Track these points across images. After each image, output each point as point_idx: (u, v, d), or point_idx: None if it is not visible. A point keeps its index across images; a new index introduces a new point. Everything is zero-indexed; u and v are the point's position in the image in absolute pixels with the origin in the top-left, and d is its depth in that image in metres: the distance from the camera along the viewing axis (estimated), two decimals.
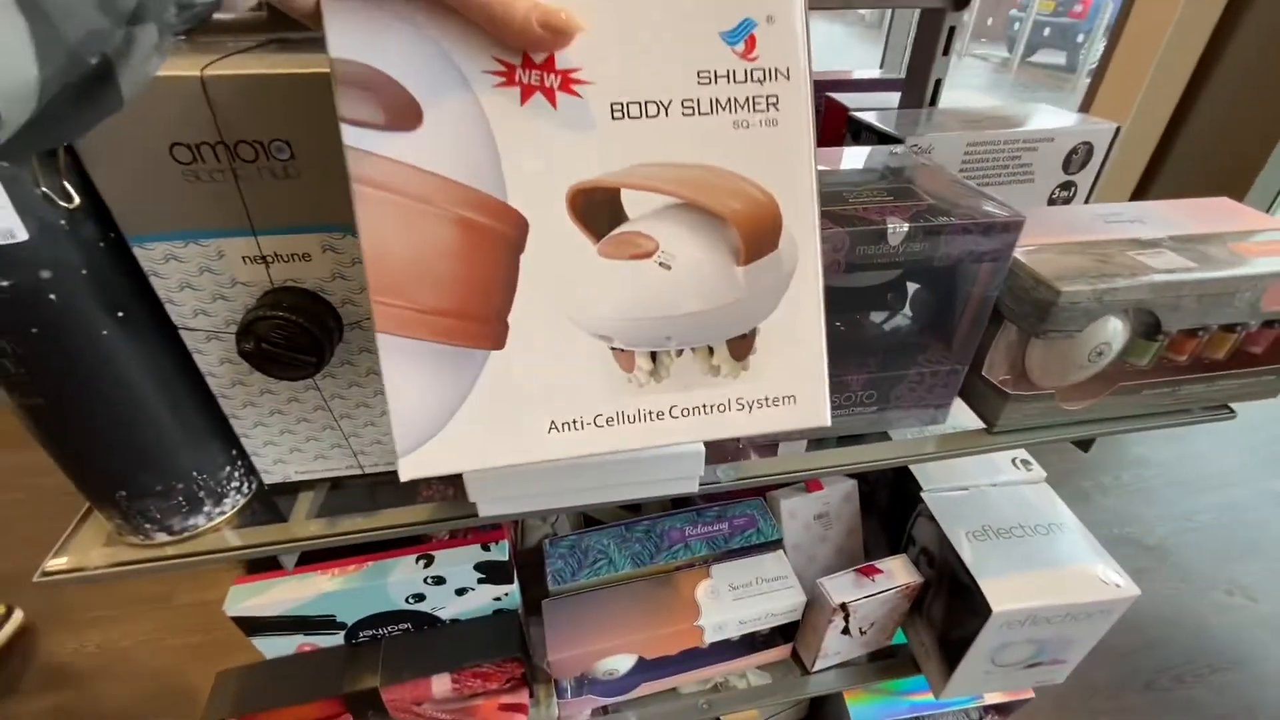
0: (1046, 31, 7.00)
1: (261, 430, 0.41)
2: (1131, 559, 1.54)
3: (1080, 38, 6.63)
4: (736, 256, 0.27)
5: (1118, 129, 0.56)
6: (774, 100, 0.26)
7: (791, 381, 0.30)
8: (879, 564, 0.70)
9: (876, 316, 0.45)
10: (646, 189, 0.26)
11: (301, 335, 0.33)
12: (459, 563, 0.61)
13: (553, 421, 0.28)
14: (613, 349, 0.28)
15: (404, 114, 0.23)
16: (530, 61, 0.24)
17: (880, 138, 0.55)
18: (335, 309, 0.36)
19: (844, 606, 0.66)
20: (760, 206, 0.27)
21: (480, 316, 0.26)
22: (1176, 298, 0.43)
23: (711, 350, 0.29)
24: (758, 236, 0.27)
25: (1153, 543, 1.61)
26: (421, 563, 0.61)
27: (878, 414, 0.47)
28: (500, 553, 0.62)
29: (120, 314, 0.33)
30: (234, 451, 0.42)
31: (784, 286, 0.29)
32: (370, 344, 0.38)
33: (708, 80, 0.25)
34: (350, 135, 0.23)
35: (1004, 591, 0.61)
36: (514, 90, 0.24)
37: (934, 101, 0.63)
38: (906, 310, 0.46)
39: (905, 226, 0.37)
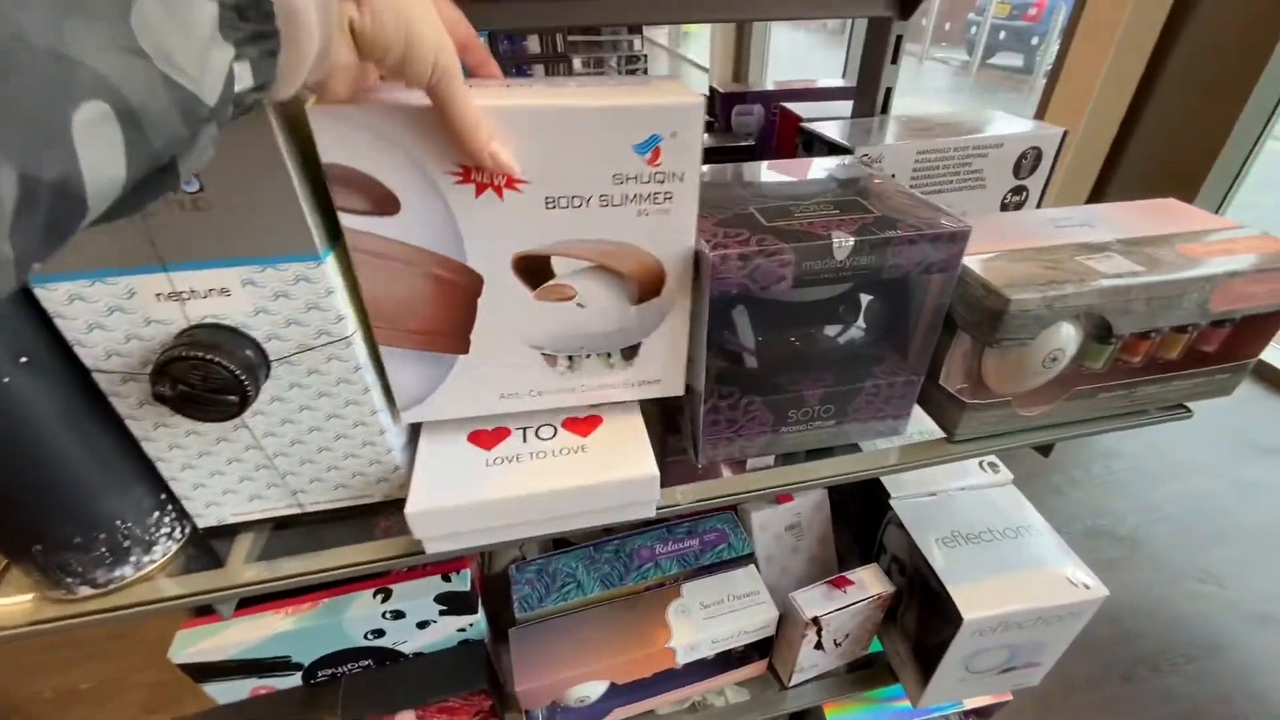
0: (1003, 35, 7.18)
1: (190, 473, 0.39)
2: (1105, 550, 1.56)
3: (1035, 40, 6.81)
4: (631, 299, 0.40)
5: (1065, 133, 0.57)
6: (669, 195, 0.36)
7: (661, 371, 0.44)
8: (850, 575, 0.69)
9: (830, 330, 0.45)
10: (569, 256, 0.37)
11: (221, 375, 0.32)
12: (419, 595, 0.59)
13: (502, 393, 0.42)
14: (543, 354, 0.41)
15: (386, 203, 0.33)
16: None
17: (830, 148, 0.54)
18: (260, 345, 0.34)
19: (816, 621, 0.65)
20: (649, 269, 0.38)
21: (450, 335, 0.39)
22: (1125, 302, 0.43)
23: (610, 354, 0.42)
24: (646, 287, 0.39)
25: (1124, 533, 1.63)
26: (379, 597, 0.59)
27: (836, 427, 0.47)
28: (462, 583, 0.60)
29: (24, 359, 0.31)
30: (162, 496, 0.40)
31: (663, 317, 0.41)
32: (301, 380, 0.36)
33: (621, 181, 0.34)
34: (346, 219, 0.33)
35: (975, 598, 0.61)
36: (470, 187, 0.33)
37: (885, 109, 0.63)
38: (860, 322, 0.45)
39: (851, 240, 0.36)
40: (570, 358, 0.42)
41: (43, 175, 0.14)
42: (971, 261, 0.43)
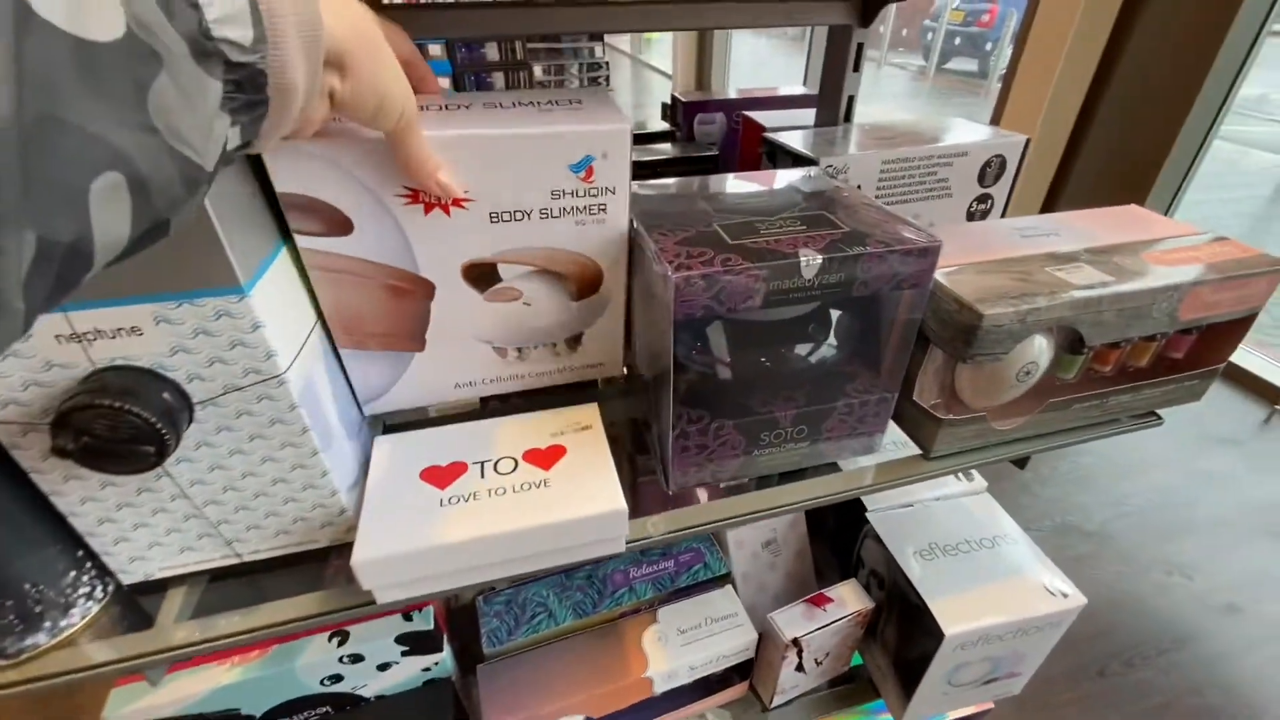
0: (958, 40, 7.38)
1: (109, 527, 0.35)
2: (1075, 546, 1.58)
3: (989, 46, 7.01)
4: (572, 296, 0.43)
5: (1027, 141, 0.56)
6: (603, 207, 0.39)
7: (602, 355, 0.48)
8: (829, 592, 0.67)
9: (801, 349, 0.43)
10: (514, 262, 0.40)
11: (133, 423, 0.28)
12: (378, 636, 0.56)
13: (456, 382, 0.45)
14: (494, 347, 0.44)
15: (339, 225, 0.35)
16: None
17: (795, 159, 0.53)
18: (180, 387, 0.31)
19: (796, 642, 0.63)
20: (587, 269, 0.42)
21: (407, 336, 0.41)
22: (1098, 313, 0.42)
23: (555, 344, 0.45)
24: (585, 285, 0.43)
25: (1092, 529, 1.66)
26: (335, 640, 0.55)
27: (809, 447, 0.45)
28: (425, 621, 0.57)
29: None
30: (79, 553, 0.36)
31: (601, 310, 0.45)
32: (230, 423, 0.33)
33: (558, 196, 0.38)
34: (302, 240, 0.35)
35: (954, 613, 0.60)
36: (419, 206, 0.35)
37: (848, 117, 0.62)
38: (831, 339, 0.44)
39: (819, 258, 0.35)
40: (519, 349, 0.45)
41: (59, 237, 0.15)
42: (941, 275, 0.42)
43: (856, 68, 0.58)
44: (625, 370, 0.50)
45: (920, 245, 0.36)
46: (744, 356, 0.40)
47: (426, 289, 0.39)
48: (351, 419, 0.42)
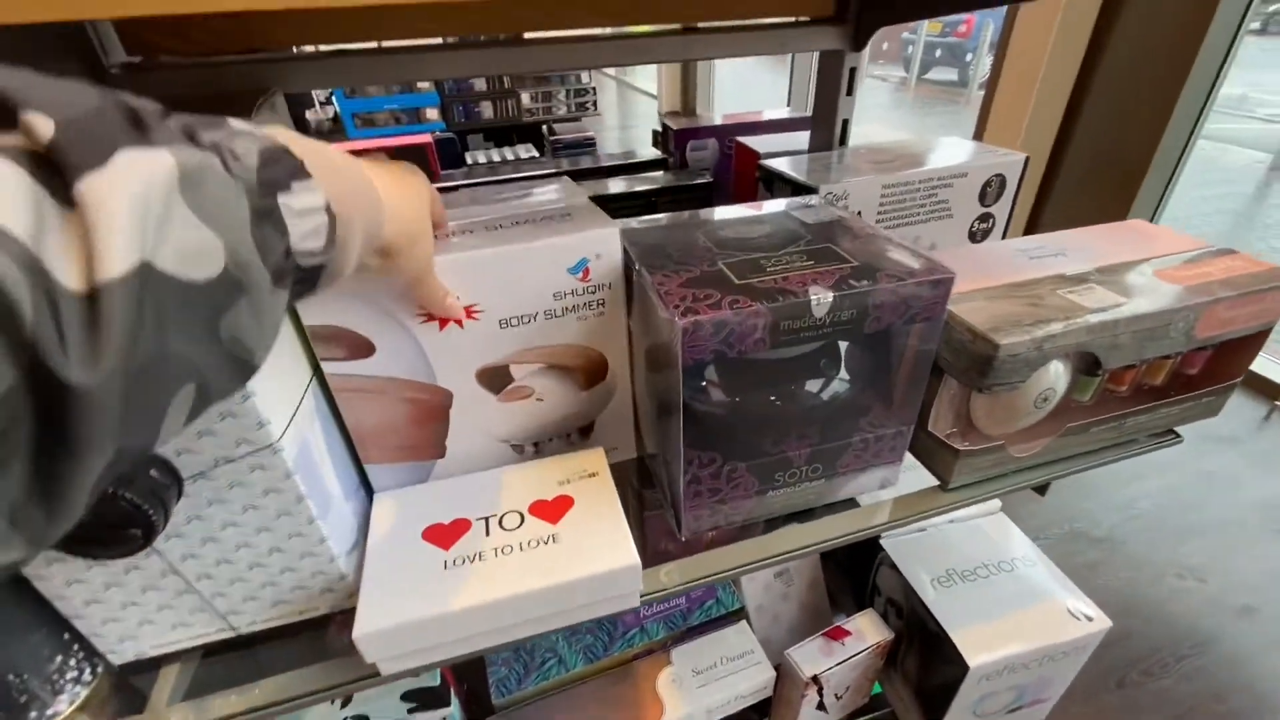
0: (938, 52, 7.50)
1: (97, 608, 0.33)
2: (1085, 553, 1.57)
3: (968, 56, 7.13)
4: (581, 387, 0.44)
5: (1027, 159, 0.56)
6: (602, 301, 0.40)
7: (615, 439, 0.48)
8: (846, 624, 0.66)
9: (812, 385, 0.42)
10: (524, 362, 0.41)
11: (119, 507, 0.27)
12: (383, 696, 0.53)
13: (475, 477, 0.44)
14: (511, 445, 0.45)
15: (362, 349, 0.37)
16: None
17: (794, 187, 0.52)
18: (168, 462, 0.29)
19: (816, 679, 0.61)
20: (593, 360, 0.43)
21: (429, 445, 0.43)
22: (1114, 336, 0.41)
23: (569, 434, 0.46)
24: (592, 375, 0.44)
25: (1101, 535, 1.64)
26: (338, 703, 0.53)
27: (825, 484, 0.44)
28: (431, 677, 0.55)
29: None
30: (66, 636, 0.34)
31: (610, 396, 0.46)
32: (223, 495, 0.31)
33: (560, 297, 0.39)
34: (328, 366, 0.37)
35: (978, 642, 0.58)
36: (434, 324, 0.37)
37: (844, 140, 0.61)
38: (843, 374, 0.43)
39: (830, 296, 0.33)
40: (535, 443, 0.45)
41: (133, 445, 0.17)
42: (952, 303, 0.41)
43: (850, 91, 0.58)
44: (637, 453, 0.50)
45: (933, 277, 0.35)
46: (754, 396, 0.39)
47: (445, 398, 0.40)
48: (350, 478, 0.40)
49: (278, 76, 0.46)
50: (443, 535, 0.38)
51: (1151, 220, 2.02)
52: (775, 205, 0.47)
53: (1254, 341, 0.47)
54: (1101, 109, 2.00)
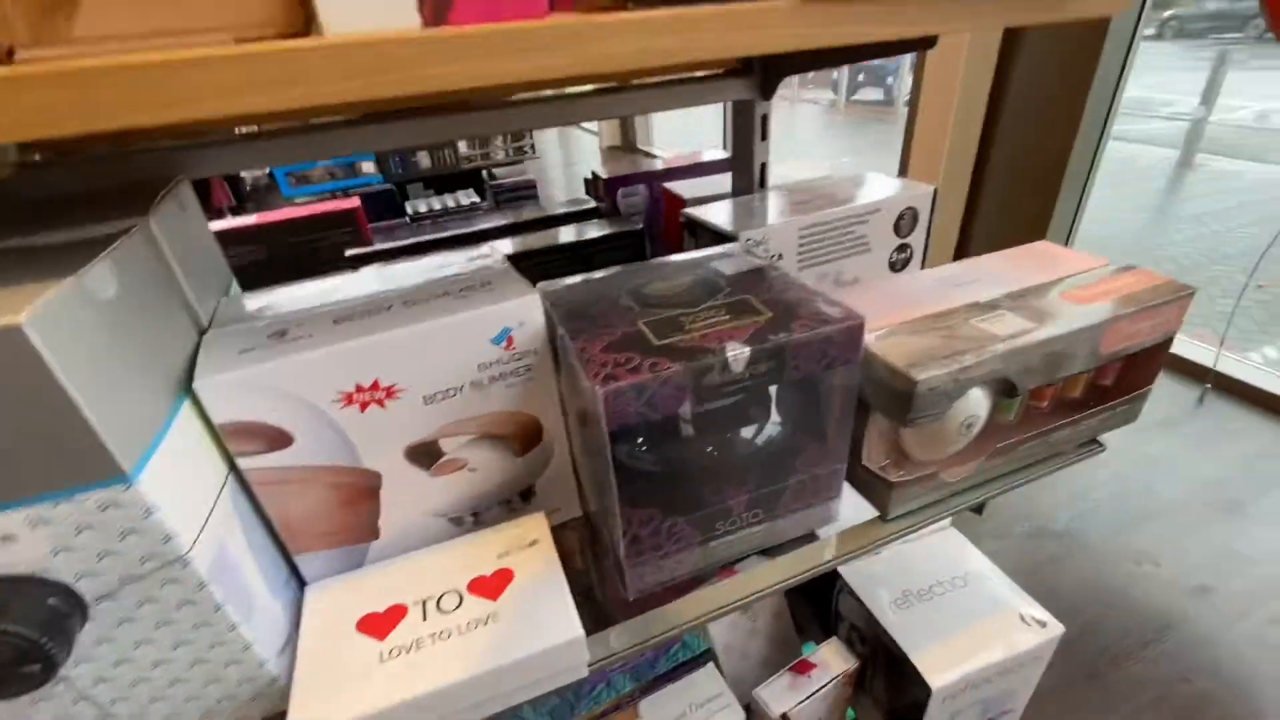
0: (861, 75, 7.89)
1: None
2: (1047, 548, 1.60)
3: (889, 79, 7.52)
4: (516, 453, 0.43)
5: (935, 190, 0.58)
6: (529, 366, 0.40)
7: (560, 500, 0.47)
8: (812, 657, 0.66)
9: (745, 432, 0.42)
10: (454, 435, 0.40)
11: (11, 644, 0.25)
12: None
13: (411, 556, 0.43)
14: (448, 518, 0.43)
15: (279, 440, 0.35)
16: (361, 388, 0.36)
17: (715, 236, 0.54)
18: (69, 588, 0.28)
19: (785, 717, 0.61)
20: (526, 425, 0.42)
21: (360, 529, 0.41)
22: (1025, 361, 0.42)
23: (509, 500, 0.45)
24: (526, 440, 0.43)
25: (1060, 529, 1.69)
26: None
27: (767, 528, 0.44)
28: None
29: None
30: None
31: (548, 459, 0.45)
32: (132, 614, 0.30)
33: (485, 367, 0.39)
34: (244, 462, 0.35)
35: (938, 663, 0.59)
36: (354, 407, 0.36)
37: (763, 183, 0.63)
38: (775, 417, 0.43)
39: (746, 351, 0.34)
40: (475, 514, 0.44)
41: None
42: (872, 340, 0.42)
43: (764, 136, 0.60)
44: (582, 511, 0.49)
45: (845, 325, 0.36)
46: (688, 449, 0.39)
47: (373, 479, 0.39)
48: (278, 572, 0.39)
49: (186, 164, 0.46)
50: (378, 625, 0.36)
51: (1073, 223, 2.13)
52: (696, 256, 0.47)
53: (1159, 350, 0.50)
54: (1015, 125, 2.12)
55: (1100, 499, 1.74)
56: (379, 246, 0.72)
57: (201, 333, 0.37)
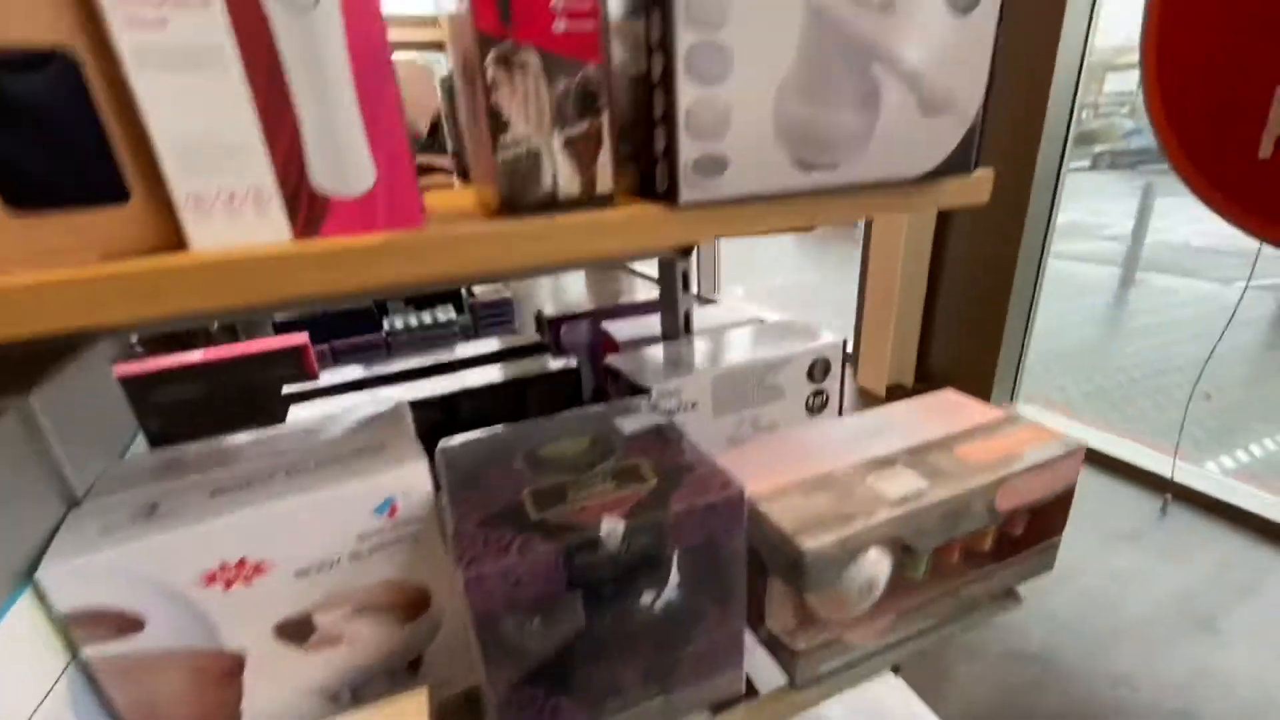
0: None
1: None
2: (1024, 672, 1.54)
3: None
4: (400, 622, 0.41)
5: (845, 341, 0.61)
6: (414, 534, 0.39)
7: (450, 670, 0.44)
8: None
9: (643, 599, 0.41)
10: (330, 608, 0.38)
11: None
12: None
13: None
14: (325, 696, 0.40)
15: (129, 626, 0.33)
16: (226, 566, 0.34)
17: (630, 388, 0.55)
18: None
19: None
20: (410, 594, 0.41)
21: (218, 714, 0.37)
22: (919, 523, 0.43)
23: (393, 672, 0.42)
24: (412, 609, 0.41)
25: (1035, 650, 1.63)
26: None
27: (664, 700, 0.42)
28: None
29: None
30: None
31: (438, 626, 0.43)
32: None
33: (365, 538, 0.38)
34: (87, 649, 0.33)
35: None
36: (217, 586, 0.35)
37: (688, 329, 0.66)
38: (673, 579, 0.42)
39: (620, 527, 0.34)
40: (353, 689, 0.41)
41: None
42: (764, 503, 0.43)
43: (686, 288, 0.63)
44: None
45: (724, 496, 0.36)
46: (568, 623, 0.38)
47: (233, 662, 0.37)
48: None
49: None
50: None
51: (1024, 335, 2.22)
52: (600, 410, 0.48)
53: (1062, 500, 0.51)
54: (962, 246, 2.26)
55: (1070, 617, 1.69)
56: (313, 385, 0.73)
57: (72, 505, 0.36)
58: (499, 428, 0.47)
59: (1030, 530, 0.52)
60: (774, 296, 4.76)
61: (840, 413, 0.65)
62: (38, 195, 0.25)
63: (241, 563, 0.34)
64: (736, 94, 0.34)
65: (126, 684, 0.34)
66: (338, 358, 1.85)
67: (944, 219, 2.30)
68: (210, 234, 0.27)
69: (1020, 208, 2.05)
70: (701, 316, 0.76)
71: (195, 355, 0.79)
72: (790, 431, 0.53)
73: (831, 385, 0.63)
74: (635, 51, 0.35)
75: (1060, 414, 2.27)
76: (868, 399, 2.54)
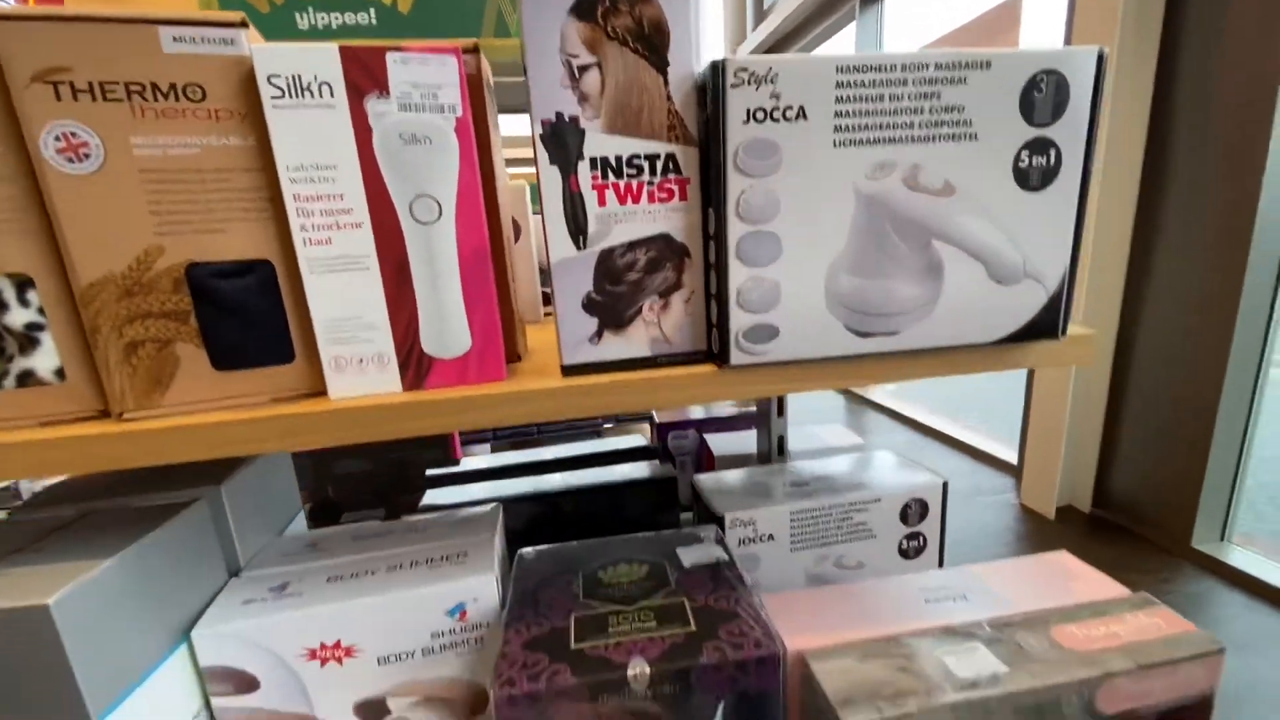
0: None
1: None
2: None
3: None
4: (462, 715, 0.46)
5: (945, 483, 0.58)
6: (480, 639, 0.44)
7: None
8: None
9: None
10: (402, 695, 0.44)
11: None
12: None
13: None
14: None
15: (247, 685, 0.41)
16: (325, 645, 0.42)
17: (706, 511, 0.57)
18: None
19: None
20: (473, 692, 0.46)
21: None
22: (986, 714, 0.39)
23: None
24: (474, 706, 0.46)
25: None
26: None
27: None
28: None
29: None
30: None
31: None
32: None
33: (437, 636, 0.44)
34: (216, 700, 0.41)
35: None
36: (316, 662, 0.42)
37: (781, 451, 0.67)
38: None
39: (646, 670, 0.36)
40: None
41: None
42: (818, 663, 0.42)
43: (780, 413, 0.65)
44: None
45: (755, 656, 0.37)
46: None
47: None
48: None
49: None
50: None
51: (1239, 457, 1.85)
52: (665, 536, 0.51)
53: (1199, 710, 0.43)
54: (1151, 353, 1.97)
55: None
56: (452, 470, 0.84)
57: (233, 574, 0.46)
58: (575, 544, 0.51)
59: None
60: (927, 393, 4.42)
61: (941, 563, 0.61)
62: (236, 359, 0.35)
63: (337, 644, 0.41)
64: (786, 273, 0.37)
65: None
66: (498, 435, 2.06)
67: (1127, 321, 2.03)
68: (344, 386, 0.36)
69: (1228, 310, 1.76)
70: (804, 438, 0.76)
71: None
72: (871, 581, 0.51)
73: (930, 528, 0.59)
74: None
75: None
76: (1033, 521, 2.23)
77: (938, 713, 0.39)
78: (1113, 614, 0.46)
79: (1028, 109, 0.36)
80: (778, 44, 4.46)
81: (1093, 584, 0.49)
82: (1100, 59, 0.36)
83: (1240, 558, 1.86)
